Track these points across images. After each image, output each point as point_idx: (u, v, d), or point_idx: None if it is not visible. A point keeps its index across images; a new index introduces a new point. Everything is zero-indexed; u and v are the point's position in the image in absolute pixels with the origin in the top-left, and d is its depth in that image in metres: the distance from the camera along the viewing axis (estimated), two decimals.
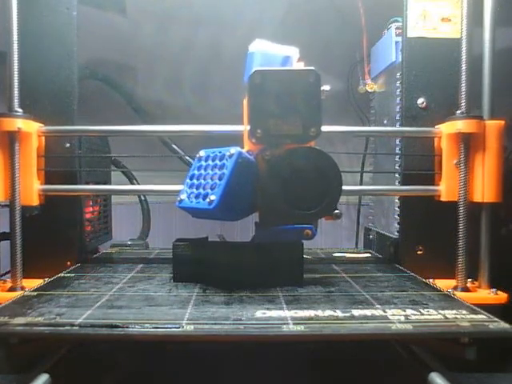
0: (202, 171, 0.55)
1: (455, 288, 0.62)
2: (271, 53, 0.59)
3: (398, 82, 0.75)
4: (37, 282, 0.61)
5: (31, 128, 0.64)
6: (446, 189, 0.66)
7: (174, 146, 0.99)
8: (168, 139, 0.99)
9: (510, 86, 0.70)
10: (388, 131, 0.79)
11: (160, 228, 1.14)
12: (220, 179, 0.52)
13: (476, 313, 0.49)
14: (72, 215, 0.70)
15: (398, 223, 0.75)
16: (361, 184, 1.02)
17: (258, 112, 0.56)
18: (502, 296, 0.62)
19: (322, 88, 0.56)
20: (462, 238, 0.62)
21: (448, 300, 0.54)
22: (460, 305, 0.52)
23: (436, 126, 0.68)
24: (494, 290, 0.63)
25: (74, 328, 0.44)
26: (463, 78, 0.63)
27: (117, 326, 0.44)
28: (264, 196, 0.56)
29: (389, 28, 0.79)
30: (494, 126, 0.63)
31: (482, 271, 0.65)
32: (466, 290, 0.62)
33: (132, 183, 1.03)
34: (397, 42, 0.76)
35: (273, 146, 0.56)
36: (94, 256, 0.81)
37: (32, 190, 0.64)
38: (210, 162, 0.55)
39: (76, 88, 0.69)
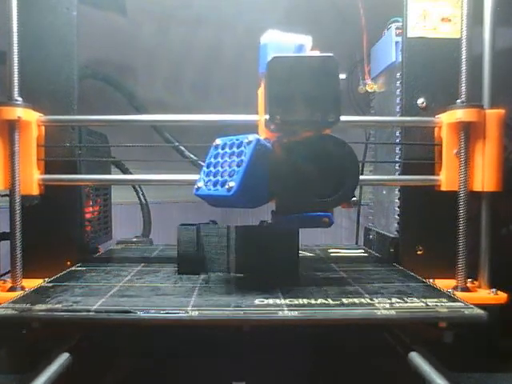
0: (219, 159, 0.55)
1: (455, 288, 0.62)
2: (284, 43, 0.58)
3: (398, 82, 0.75)
4: (37, 282, 0.61)
5: (31, 117, 0.64)
6: (446, 178, 0.66)
7: (176, 143, 0.98)
8: (170, 136, 0.99)
9: (509, 85, 0.70)
10: (388, 121, 0.79)
11: (160, 228, 1.14)
12: (238, 166, 0.52)
13: (455, 301, 0.53)
14: (72, 215, 0.70)
15: (398, 223, 0.75)
16: (361, 173, 1.02)
17: (276, 98, 0.55)
18: (502, 296, 0.62)
19: None
20: (462, 230, 0.62)
21: (431, 290, 0.58)
22: (442, 294, 0.56)
23: (436, 116, 0.68)
24: (493, 290, 0.63)
25: (90, 313, 0.48)
26: (463, 66, 0.62)
27: (129, 312, 0.49)
28: (281, 183, 0.55)
29: (389, 28, 0.79)
30: (494, 114, 0.63)
31: (482, 271, 0.65)
32: (466, 289, 0.62)
33: (133, 185, 1.03)
34: (397, 42, 0.76)
35: (291, 132, 0.56)
36: (102, 253, 0.84)
37: (32, 179, 0.64)
38: (227, 150, 0.55)
39: (76, 88, 0.69)
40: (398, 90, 0.75)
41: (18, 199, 0.61)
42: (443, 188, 0.66)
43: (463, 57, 0.62)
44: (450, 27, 0.70)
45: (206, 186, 0.55)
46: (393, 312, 0.49)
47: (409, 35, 0.71)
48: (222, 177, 0.53)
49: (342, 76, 0.56)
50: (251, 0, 0.98)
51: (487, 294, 0.63)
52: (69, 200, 0.70)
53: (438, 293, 0.57)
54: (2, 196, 0.68)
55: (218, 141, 0.57)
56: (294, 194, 0.55)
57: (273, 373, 0.56)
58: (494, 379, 0.57)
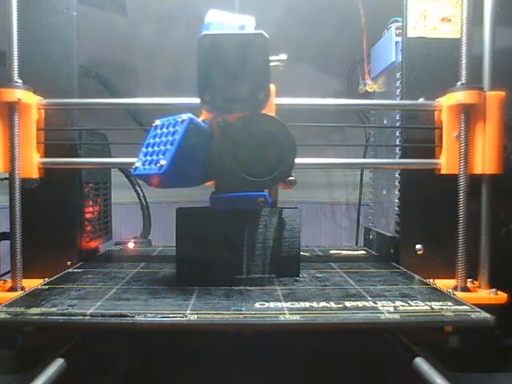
0: (157, 139, 0.55)
1: (455, 288, 0.62)
2: (226, 23, 0.58)
3: (398, 82, 0.75)
4: (37, 282, 0.61)
5: (31, 100, 0.64)
6: (446, 162, 0.65)
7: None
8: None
9: (509, 86, 0.70)
10: (387, 104, 0.78)
11: (160, 228, 1.14)
12: (171, 144, 0.52)
13: (460, 304, 0.52)
14: (72, 215, 0.70)
15: (398, 223, 0.75)
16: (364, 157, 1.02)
17: (206, 76, 0.55)
18: (502, 296, 0.62)
19: (278, 57, 0.55)
20: (462, 218, 0.61)
21: (436, 293, 0.57)
22: (446, 297, 0.55)
23: (436, 100, 0.67)
24: (493, 290, 0.63)
25: (86, 317, 0.47)
26: (464, 48, 0.62)
27: (125, 316, 0.47)
28: (218, 163, 0.55)
29: (389, 28, 0.79)
30: (494, 96, 0.63)
31: (482, 271, 0.65)
32: (466, 289, 0.62)
33: (131, 182, 1.03)
34: (397, 42, 0.76)
35: (222, 111, 0.56)
36: (100, 253, 0.84)
37: (31, 162, 0.64)
38: (164, 130, 0.55)
39: (76, 88, 0.69)
40: (398, 90, 0.75)
41: (17, 182, 0.61)
42: (443, 171, 0.66)
43: (463, 56, 0.62)
44: (449, 27, 0.70)
45: (143, 165, 0.54)
46: (397, 316, 0.47)
47: (409, 35, 0.71)
48: (156, 156, 0.53)
49: (283, 56, 0.55)
50: (250, 0, 0.97)
51: (487, 294, 0.63)
52: (69, 200, 0.70)
53: (442, 296, 0.56)
54: (2, 180, 0.68)
55: (158, 121, 0.57)
56: (229, 173, 0.55)
57: (272, 376, 0.56)
58: (493, 379, 0.57)
